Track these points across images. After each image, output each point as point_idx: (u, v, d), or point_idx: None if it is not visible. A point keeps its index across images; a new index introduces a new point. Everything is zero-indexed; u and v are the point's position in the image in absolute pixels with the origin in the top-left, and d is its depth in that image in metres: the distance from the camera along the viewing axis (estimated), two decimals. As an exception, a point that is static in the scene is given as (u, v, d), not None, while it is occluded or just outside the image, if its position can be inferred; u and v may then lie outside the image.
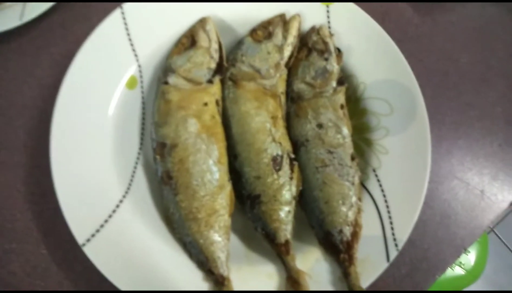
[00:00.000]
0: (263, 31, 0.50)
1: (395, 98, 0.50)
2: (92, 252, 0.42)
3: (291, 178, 0.46)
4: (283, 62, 0.49)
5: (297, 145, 0.49)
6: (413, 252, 0.52)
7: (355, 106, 0.51)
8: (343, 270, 0.45)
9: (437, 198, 0.54)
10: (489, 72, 0.59)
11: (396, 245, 0.45)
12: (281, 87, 0.50)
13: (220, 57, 0.49)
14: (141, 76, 0.49)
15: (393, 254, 0.45)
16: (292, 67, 0.51)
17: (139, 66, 0.49)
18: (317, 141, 0.47)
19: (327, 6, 0.52)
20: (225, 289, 0.43)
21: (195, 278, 0.44)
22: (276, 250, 0.45)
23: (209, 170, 0.45)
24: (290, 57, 0.50)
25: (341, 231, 0.45)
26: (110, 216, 0.44)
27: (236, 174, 0.47)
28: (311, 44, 0.50)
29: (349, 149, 0.48)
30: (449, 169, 0.56)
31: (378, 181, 0.48)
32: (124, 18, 0.48)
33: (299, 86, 0.50)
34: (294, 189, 0.46)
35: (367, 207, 0.47)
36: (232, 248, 0.46)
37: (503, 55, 0.61)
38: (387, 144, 0.49)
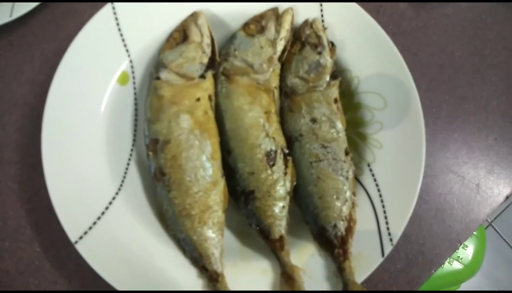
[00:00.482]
0: (256, 25, 0.49)
1: (389, 92, 0.49)
2: (85, 250, 0.42)
3: (285, 173, 0.46)
4: (276, 57, 0.49)
5: (291, 140, 0.48)
6: (408, 246, 0.51)
7: (349, 101, 0.51)
8: (338, 265, 0.45)
9: (432, 192, 0.54)
10: (483, 65, 0.59)
11: (391, 240, 0.45)
12: (275, 82, 0.49)
13: (213, 51, 0.48)
14: (133, 72, 0.49)
15: (388, 248, 0.45)
16: (285, 62, 0.50)
17: (131, 61, 0.48)
18: (311, 136, 0.47)
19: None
20: (219, 285, 0.43)
21: (189, 274, 0.44)
22: (270, 246, 0.45)
23: (202, 166, 0.45)
24: (283, 52, 0.49)
25: (335, 226, 0.45)
26: (103, 213, 0.44)
27: (229, 169, 0.47)
28: (304, 38, 0.50)
29: (343, 144, 0.47)
30: (444, 163, 0.55)
31: (373, 175, 0.48)
32: (115, 13, 0.47)
33: (292, 80, 0.49)
34: (288, 184, 0.46)
35: (361, 202, 0.47)
36: (227, 244, 0.45)
37: (499, 47, 0.60)
38: (381, 139, 0.49)
